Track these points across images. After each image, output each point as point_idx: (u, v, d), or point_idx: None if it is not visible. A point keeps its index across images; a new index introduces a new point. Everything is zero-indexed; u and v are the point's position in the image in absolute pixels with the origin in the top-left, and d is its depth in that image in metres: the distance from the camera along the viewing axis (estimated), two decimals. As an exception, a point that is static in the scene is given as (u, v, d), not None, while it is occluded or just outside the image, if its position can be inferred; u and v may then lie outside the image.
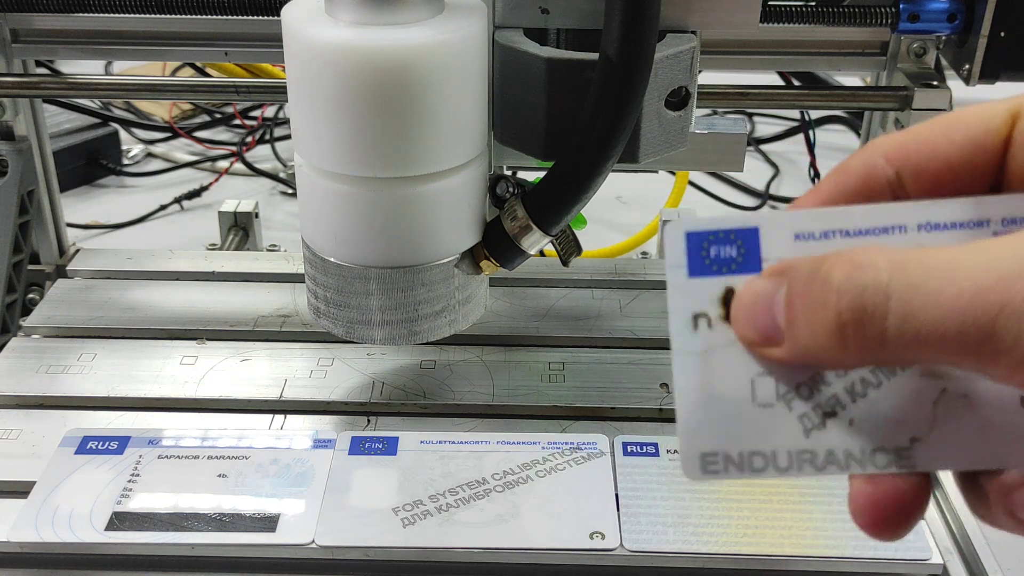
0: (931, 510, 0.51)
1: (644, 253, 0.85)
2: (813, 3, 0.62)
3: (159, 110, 1.12)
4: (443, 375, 0.58)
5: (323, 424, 0.55)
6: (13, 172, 0.67)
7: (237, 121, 1.11)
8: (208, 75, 1.01)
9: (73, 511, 0.47)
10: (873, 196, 0.26)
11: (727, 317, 0.26)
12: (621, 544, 0.46)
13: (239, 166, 1.03)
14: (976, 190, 0.25)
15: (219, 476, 0.50)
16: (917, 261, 0.22)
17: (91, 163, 1.01)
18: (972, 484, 0.25)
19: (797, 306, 0.23)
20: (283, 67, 0.47)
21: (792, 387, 0.25)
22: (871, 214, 0.25)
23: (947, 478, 0.52)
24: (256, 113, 1.11)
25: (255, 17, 0.61)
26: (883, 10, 0.61)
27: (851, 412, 0.25)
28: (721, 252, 0.26)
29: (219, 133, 1.11)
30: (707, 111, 0.95)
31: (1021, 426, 0.24)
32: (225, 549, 0.47)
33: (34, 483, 0.49)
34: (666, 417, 0.55)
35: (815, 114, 1.05)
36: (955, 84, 0.63)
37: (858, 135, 0.94)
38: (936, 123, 0.25)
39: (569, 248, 0.51)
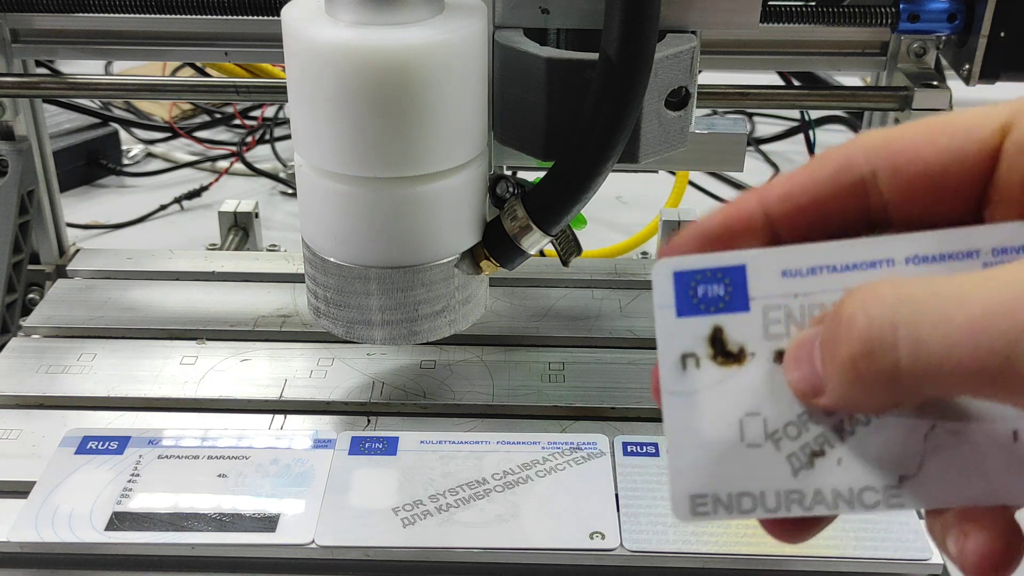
0: (931, 510, 0.51)
1: (644, 253, 0.85)
2: (813, 3, 0.62)
3: (159, 110, 1.12)
4: (443, 375, 0.58)
5: (323, 424, 0.55)
6: (13, 172, 0.67)
7: (237, 121, 1.11)
8: (208, 75, 1.01)
9: (73, 511, 0.47)
10: (842, 191, 0.25)
11: (715, 357, 0.25)
12: (621, 544, 0.46)
13: (239, 166, 1.03)
14: (954, 202, 0.25)
15: (219, 476, 0.50)
16: (924, 289, 0.21)
17: (91, 163, 1.01)
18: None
19: (825, 354, 0.23)
20: (283, 67, 0.47)
21: (781, 426, 0.25)
22: (857, 248, 0.25)
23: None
24: (256, 113, 1.11)
25: (255, 17, 0.61)
26: (883, 10, 0.61)
27: (839, 451, 0.25)
28: (709, 291, 0.26)
29: (219, 133, 1.11)
30: (707, 111, 0.95)
31: (1014, 461, 0.24)
32: (225, 549, 0.46)
33: (34, 483, 0.49)
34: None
35: (815, 114, 1.05)
36: (955, 84, 0.63)
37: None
38: (924, 124, 0.25)
39: (569, 248, 0.51)
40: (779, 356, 0.25)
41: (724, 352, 0.26)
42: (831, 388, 0.23)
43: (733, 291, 0.25)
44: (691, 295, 0.26)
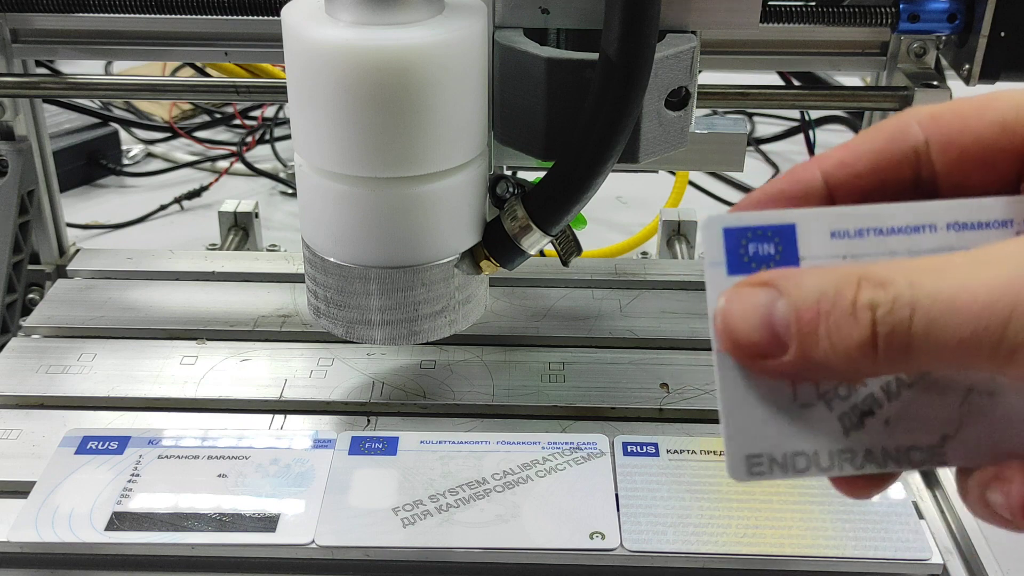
0: (931, 510, 0.51)
1: (644, 253, 0.85)
2: (813, 3, 0.62)
3: (159, 110, 1.11)
4: (443, 375, 0.58)
5: (323, 424, 0.55)
6: (13, 172, 0.67)
7: (237, 121, 1.11)
8: (208, 75, 1.01)
9: (73, 511, 0.47)
10: (896, 159, 0.26)
11: None
12: (621, 544, 0.46)
13: (239, 166, 1.03)
14: (1003, 173, 0.26)
15: (219, 476, 0.50)
16: (932, 271, 0.23)
17: (91, 163, 1.01)
18: (961, 474, 0.26)
19: (814, 321, 0.23)
20: (283, 67, 0.47)
21: (832, 387, 0.26)
22: (904, 213, 0.26)
23: (947, 478, 0.52)
24: (256, 113, 1.11)
25: (255, 17, 0.61)
26: (883, 10, 0.61)
27: (887, 412, 0.26)
28: (760, 249, 0.26)
29: (219, 133, 1.11)
30: (707, 111, 0.95)
31: None
32: (225, 549, 0.46)
33: (34, 483, 0.49)
34: (666, 417, 0.55)
35: (815, 114, 1.05)
36: (955, 84, 0.63)
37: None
38: (975, 99, 0.26)
39: (569, 248, 0.51)
40: None
41: None
42: (810, 356, 0.24)
43: (783, 250, 0.26)
44: (741, 253, 0.26)
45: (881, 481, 0.27)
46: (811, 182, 0.27)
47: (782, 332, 0.24)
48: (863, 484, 0.27)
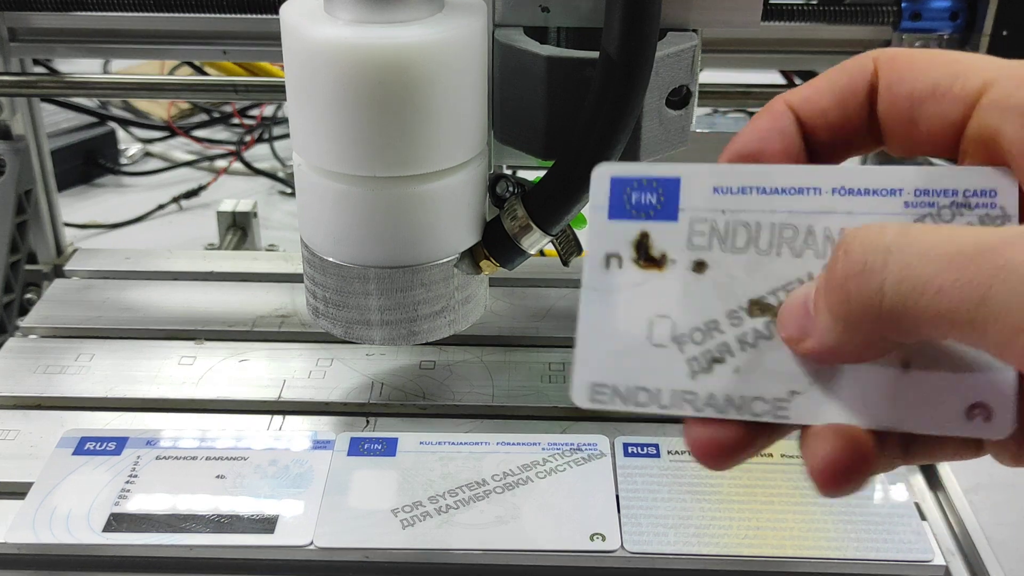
0: (933, 511, 0.50)
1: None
2: (815, 2, 0.62)
3: (157, 109, 1.11)
4: (443, 375, 0.58)
5: (322, 425, 0.54)
6: (10, 171, 0.66)
7: (235, 120, 1.11)
8: (206, 74, 1.01)
9: (71, 512, 0.47)
10: (857, 96, 0.27)
11: (637, 260, 0.27)
12: (622, 546, 0.46)
13: (237, 165, 1.03)
14: (931, 137, 0.26)
15: (217, 477, 0.49)
16: (924, 229, 0.23)
17: (89, 162, 1.01)
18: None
19: (820, 284, 0.24)
20: (282, 66, 0.47)
21: (687, 331, 0.27)
22: (789, 174, 0.26)
23: (949, 479, 0.52)
24: (255, 112, 1.11)
25: (253, 15, 0.61)
26: (885, 8, 0.60)
27: (738, 360, 0.26)
28: (643, 199, 0.27)
29: (217, 132, 1.11)
30: (708, 110, 0.95)
31: (903, 391, 0.25)
32: (223, 551, 0.46)
33: (31, 484, 0.49)
34: (667, 418, 0.55)
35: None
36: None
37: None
38: (933, 55, 0.26)
39: (569, 248, 0.51)
40: (698, 266, 0.27)
41: (647, 256, 0.27)
42: (819, 323, 0.24)
43: (665, 201, 0.27)
44: (624, 200, 0.27)
45: (734, 449, 0.26)
46: (782, 119, 0.27)
47: (811, 312, 0.25)
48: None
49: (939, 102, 0.25)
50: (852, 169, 0.26)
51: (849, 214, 0.26)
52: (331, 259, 0.48)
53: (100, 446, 0.51)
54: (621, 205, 0.27)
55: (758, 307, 0.26)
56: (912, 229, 0.23)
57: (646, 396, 0.27)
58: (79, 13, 0.62)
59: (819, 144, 0.27)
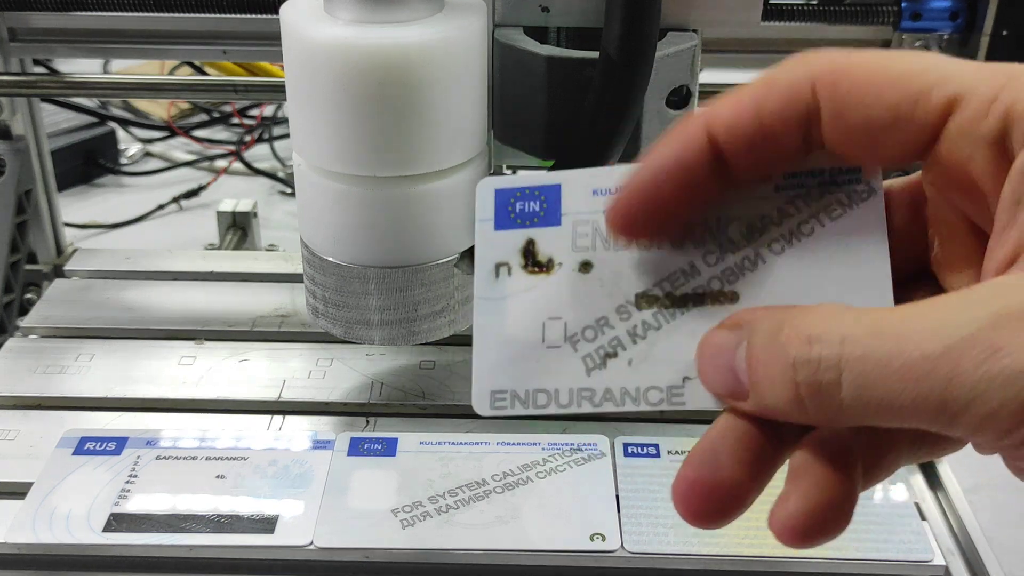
0: (933, 511, 0.50)
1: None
2: (815, 2, 0.62)
3: (157, 109, 1.11)
4: (443, 375, 0.58)
5: (322, 425, 0.54)
6: (10, 171, 0.66)
7: (235, 120, 1.11)
8: (206, 74, 1.01)
9: (71, 512, 0.47)
10: (789, 124, 0.24)
11: (526, 266, 0.27)
12: (622, 546, 0.46)
13: (237, 165, 1.03)
14: (893, 155, 0.25)
15: (217, 477, 0.49)
16: (870, 329, 0.21)
17: (89, 162, 1.01)
18: None
19: (758, 370, 0.23)
20: (282, 66, 0.47)
21: (579, 330, 0.27)
22: None
23: (949, 479, 0.52)
24: (255, 112, 1.11)
25: (254, 15, 0.61)
26: (885, 8, 0.60)
27: (631, 353, 0.27)
28: (526, 207, 0.28)
29: (217, 132, 1.11)
30: (707, 110, 0.94)
31: None
32: (223, 551, 0.46)
33: (31, 484, 0.49)
34: (667, 418, 0.55)
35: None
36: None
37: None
38: (879, 68, 0.23)
39: (569, 248, 0.51)
40: (584, 266, 0.27)
41: (534, 262, 0.27)
42: (762, 401, 0.23)
43: (548, 207, 0.28)
44: (509, 210, 0.28)
45: (724, 510, 0.26)
46: (698, 151, 0.25)
47: (743, 380, 0.24)
48: (704, 508, 0.26)
49: (901, 130, 0.23)
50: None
51: (722, 203, 0.26)
52: (331, 259, 0.48)
53: (100, 446, 0.51)
54: (506, 215, 0.28)
55: (645, 300, 0.27)
56: (860, 335, 0.21)
57: (545, 397, 0.27)
58: (79, 13, 0.62)
59: (742, 168, 0.25)
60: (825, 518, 0.24)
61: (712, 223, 0.26)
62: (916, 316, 0.21)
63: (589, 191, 0.27)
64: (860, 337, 0.21)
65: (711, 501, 0.25)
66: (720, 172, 0.25)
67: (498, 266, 0.27)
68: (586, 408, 0.27)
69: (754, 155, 0.25)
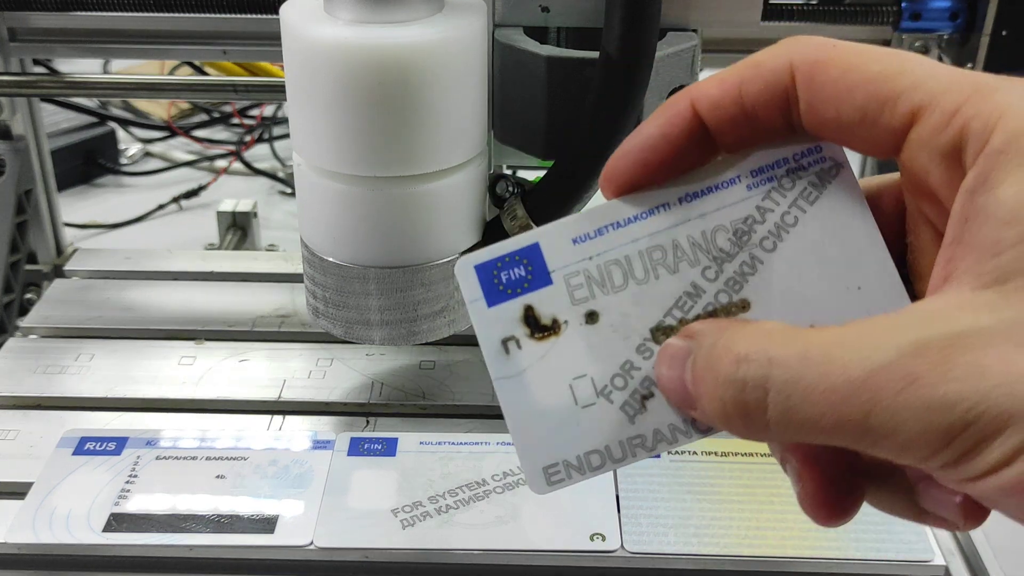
0: (933, 511, 0.50)
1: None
2: (815, 2, 0.62)
3: (157, 109, 1.11)
4: (443, 375, 0.58)
5: (322, 425, 0.54)
6: (10, 171, 0.66)
7: (235, 120, 1.11)
8: (206, 74, 1.01)
9: (71, 512, 0.47)
10: (771, 105, 0.25)
11: (532, 335, 0.27)
12: (622, 546, 0.46)
13: (237, 165, 1.03)
14: (864, 148, 0.25)
15: (217, 477, 0.49)
16: (797, 352, 0.22)
17: (89, 162, 1.01)
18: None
19: (699, 384, 0.24)
20: (282, 66, 0.47)
21: (608, 380, 0.26)
22: (634, 202, 0.27)
23: (949, 479, 0.52)
24: (255, 112, 1.11)
25: (253, 15, 0.61)
26: (885, 8, 0.60)
27: None
28: (512, 275, 0.27)
29: (217, 132, 1.11)
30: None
31: None
32: (223, 551, 0.46)
33: (31, 484, 0.49)
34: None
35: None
36: (957, 83, 0.62)
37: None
38: (856, 64, 0.24)
39: (569, 248, 0.51)
40: (589, 317, 0.27)
41: (539, 327, 0.27)
42: (705, 414, 0.24)
43: (534, 269, 0.27)
44: (496, 283, 0.27)
45: (847, 507, 0.26)
46: (686, 123, 0.26)
47: (692, 392, 0.24)
48: (831, 510, 0.26)
49: (869, 130, 0.23)
50: (690, 175, 0.27)
51: (702, 217, 0.26)
52: (331, 259, 0.48)
53: (100, 446, 0.51)
54: (495, 289, 0.27)
55: (661, 332, 0.26)
56: (788, 357, 0.22)
57: (598, 458, 0.26)
58: (79, 13, 0.62)
59: (726, 143, 0.26)
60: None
61: (698, 239, 0.26)
62: (845, 340, 0.21)
63: (569, 241, 0.27)
64: (787, 359, 0.22)
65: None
66: (706, 144, 0.26)
67: (504, 342, 0.27)
68: (641, 456, 0.26)
69: (737, 132, 0.26)
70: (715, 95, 0.25)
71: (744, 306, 0.26)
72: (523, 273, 0.27)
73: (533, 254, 0.27)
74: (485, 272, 0.27)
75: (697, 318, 0.26)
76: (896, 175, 0.27)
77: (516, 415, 0.26)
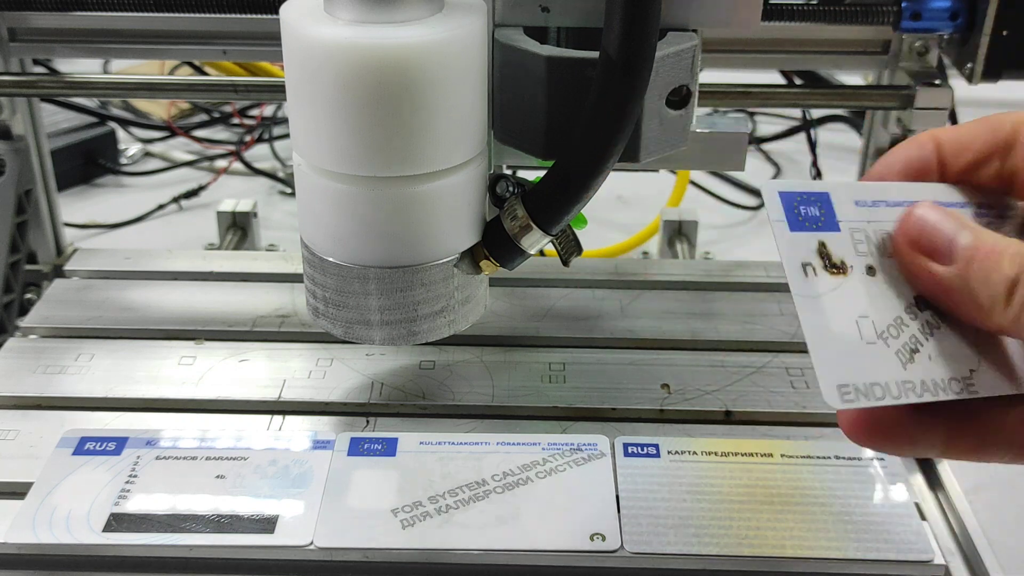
0: (933, 511, 0.50)
1: (645, 253, 0.85)
2: (815, 2, 0.62)
3: (157, 109, 1.11)
4: (443, 376, 0.58)
5: (322, 425, 0.54)
6: (10, 171, 0.66)
7: (235, 120, 1.11)
8: (206, 74, 1.01)
9: (70, 512, 0.47)
10: (995, 149, 0.32)
11: (826, 267, 0.30)
12: (622, 546, 0.46)
13: (237, 165, 1.03)
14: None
15: (217, 477, 0.49)
16: None
17: (89, 162, 1.01)
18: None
19: (987, 259, 0.29)
20: (281, 66, 0.47)
21: (885, 327, 0.30)
22: (900, 190, 0.32)
23: (949, 479, 0.52)
24: (255, 112, 1.11)
25: (253, 15, 0.61)
26: (885, 8, 0.60)
27: (928, 349, 0.30)
28: (809, 211, 0.31)
29: (217, 132, 1.11)
30: (708, 110, 0.95)
31: None
32: (223, 551, 0.46)
33: (31, 484, 0.49)
34: (667, 418, 0.55)
35: (816, 113, 1.05)
36: (957, 83, 0.62)
37: (859, 134, 0.93)
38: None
39: (569, 248, 0.51)
40: (869, 270, 0.30)
41: (831, 263, 0.30)
42: (967, 282, 0.29)
43: (826, 213, 0.31)
44: (796, 213, 0.30)
45: (888, 429, 0.31)
46: (929, 158, 0.32)
47: (958, 250, 0.29)
48: (865, 427, 0.31)
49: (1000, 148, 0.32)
50: (937, 186, 0.32)
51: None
52: (331, 259, 0.48)
53: (100, 446, 0.51)
54: (795, 218, 0.30)
55: (923, 301, 0.30)
56: None
57: (880, 390, 0.29)
58: (79, 13, 0.62)
59: (950, 174, 0.32)
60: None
61: None
62: None
63: (852, 202, 0.31)
64: None
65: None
66: (939, 171, 0.33)
67: (804, 265, 0.30)
68: (911, 399, 0.29)
69: (967, 169, 0.33)
70: (954, 137, 0.33)
71: None
72: (817, 213, 0.30)
73: (825, 200, 0.31)
74: (788, 200, 0.31)
75: None
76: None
77: (815, 332, 0.29)
